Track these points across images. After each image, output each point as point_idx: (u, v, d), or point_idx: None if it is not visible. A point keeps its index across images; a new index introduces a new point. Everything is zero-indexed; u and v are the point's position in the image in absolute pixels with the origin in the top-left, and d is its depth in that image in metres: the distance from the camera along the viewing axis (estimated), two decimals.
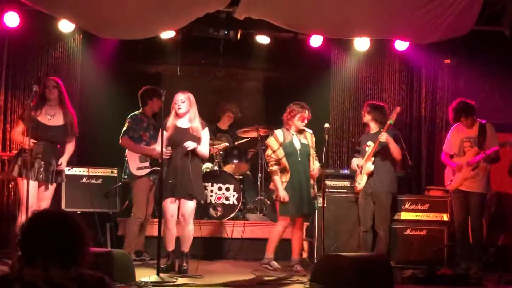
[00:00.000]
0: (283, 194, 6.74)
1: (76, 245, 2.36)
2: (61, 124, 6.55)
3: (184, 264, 6.43)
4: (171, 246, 6.49)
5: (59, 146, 6.56)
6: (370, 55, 8.90)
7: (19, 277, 2.26)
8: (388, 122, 6.96)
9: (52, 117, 6.52)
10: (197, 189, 6.53)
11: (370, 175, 7.02)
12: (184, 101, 6.48)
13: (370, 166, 7.00)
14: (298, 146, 6.89)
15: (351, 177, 7.77)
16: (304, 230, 7.71)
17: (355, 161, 7.24)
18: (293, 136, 6.92)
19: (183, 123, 6.51)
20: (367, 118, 7.21)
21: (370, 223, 7.09)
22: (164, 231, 6.40)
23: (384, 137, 6.88)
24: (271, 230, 7.06)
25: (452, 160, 7.16)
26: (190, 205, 6.48)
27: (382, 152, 7.03)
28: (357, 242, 7.35)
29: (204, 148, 6.58)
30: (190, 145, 6.37)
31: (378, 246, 6.98)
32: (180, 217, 6.48)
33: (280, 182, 6.79)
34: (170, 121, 6.51)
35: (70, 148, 6.69)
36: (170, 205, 6.44)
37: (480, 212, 7.06)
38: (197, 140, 6.48)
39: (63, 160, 6.58)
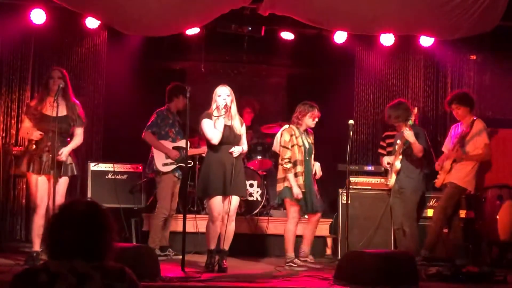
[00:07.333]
0: (297, 192, 6.65)
1: (101, 239, 2.41)
2: (64, 115, 6.28)
3: (224, 262, 6.27)
4: (213, 244, 6.30)
5: (69, 139, 6.37)
6: (395, 51, 8.83)
7: (45, 268, 2.31)
8: (408, 124, 6.91)
9: (56, 108, 6.17)
10: (245, 186, 6.53)
11: (398, 173, 7.06)
12: (229, 95, 6.31)
13: (397, 165, 7.08)
14: (306, 145, 6.86)
15: (376, 173, 7.80)
16: (328, 227, 7.74)
17: (386, 159, 7.31)
18: (301, 134, 6.88)
19: (227, 121, 6.32)
20: (392, 121, 7.26)
21: (400, 221, 7.12)
22: (209, 229, 6.29)
23: (408, 134, 6.86)
24: (285, 230, 6.87)
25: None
26: (236, 202, 6.34)
27: (408, 151, 7.02)
28: (381, 239, 7.33)
29: (245, 147, 6.52)
30: (236, 151, 6.25)
31: (404, 243, 7.00)
32: (224, 215, 6.25)
33: (294, 180, 6.69)
34: (220, 118, 6.24)
35: (76, 139, 6.41)
36: (219, 203, 6.23)
37: (446, 201, 7.04)
38: (240, 138, 6.39)
39: (65, 150, 6.22)
